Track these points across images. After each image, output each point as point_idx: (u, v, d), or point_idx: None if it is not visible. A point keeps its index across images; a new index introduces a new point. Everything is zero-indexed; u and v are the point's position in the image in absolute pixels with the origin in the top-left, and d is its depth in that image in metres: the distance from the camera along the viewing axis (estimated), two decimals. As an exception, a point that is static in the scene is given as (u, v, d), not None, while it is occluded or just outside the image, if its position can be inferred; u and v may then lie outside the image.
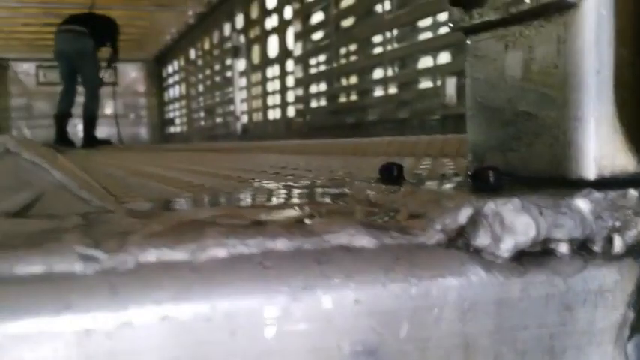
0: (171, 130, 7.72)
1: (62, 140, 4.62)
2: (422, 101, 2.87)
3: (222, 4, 5.25)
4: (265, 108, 4.54)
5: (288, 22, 3.97)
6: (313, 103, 3.88)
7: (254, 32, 4.65)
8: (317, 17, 3.72)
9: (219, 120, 5.50)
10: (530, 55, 0.28)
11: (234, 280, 0.22)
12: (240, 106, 4.91)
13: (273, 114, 4.45)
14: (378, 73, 3.23)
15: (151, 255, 0.22)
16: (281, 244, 0.23)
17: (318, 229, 0.23)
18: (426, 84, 2.94)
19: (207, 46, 5.85)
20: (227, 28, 5.18)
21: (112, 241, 0.22)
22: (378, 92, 3.22)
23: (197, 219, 0.25)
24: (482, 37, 0.30)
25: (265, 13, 4.40)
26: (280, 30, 4.18)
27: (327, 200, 0.31)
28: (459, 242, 0.24)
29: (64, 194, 0.27)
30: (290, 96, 4.14)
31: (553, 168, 0.29)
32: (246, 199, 0.35)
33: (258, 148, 1.72)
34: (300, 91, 3.96)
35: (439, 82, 2.77)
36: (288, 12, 3.99)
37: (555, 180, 0.29)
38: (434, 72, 2.81)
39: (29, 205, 0.26)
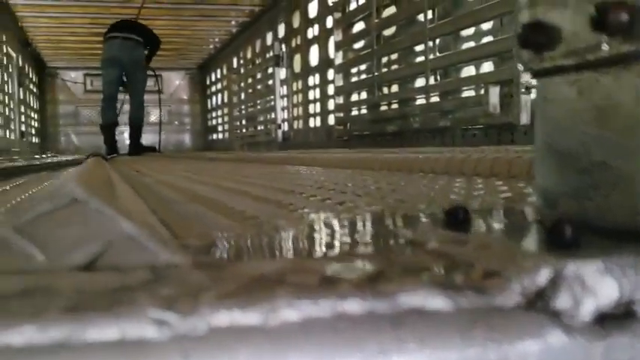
0: (214, 136, 7.81)
1: (112, 149, 4.71)
2: (464, 110, 2.84)
3: (264, 14, 5.29)
4: (306, 116, 4.56)
5: (330, 31, 3.98)
6: (354, 112, 3.88)
7: (295, 41, 4.68)
8: (358, 26, 3.72)
9: (260, 127, 5.55)
10: (606, 102, 0.27)
11: (307, 344, 0.21)
12: (281, 114, 4.95)
13: (314, 122, 4.47)
14: (419, 82, 3.21)
15: (223, 318, 0.21)
16: (353, 306, 0.22)
17: (390, 290, 0.23)
18: (468, 93, 2.92)
19: (249, 54, 5.90)
20: (269, 37, 5.23)
21: (183, 303, 0.22)
22: (420, 101, 3.20)
23: (265, 273, 0.25)
24: (553, 81, 0.29)
25: (307, 22, 4.42)
26: (322, 39, 4.20)
27: (393, 248, 0.31)
28: (538, 304, 0.23)
29: (132, 244, 0.27)
30: (331, 104, 4.15)
31: (631, 220, 0.27)
32: (306, 241, 0.34)
33: (300, 160, 1.72)
34: (341, 100, 3.96)
35: (482, 91, 2.74)
36: (329, 21, 4.01)
37: (634, 233, 0.27)
38: (476, 81, 2.78)
39: (97, 257, 0.26)
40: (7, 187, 0.92)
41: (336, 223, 0.40)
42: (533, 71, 0.30)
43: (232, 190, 0.74)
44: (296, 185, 0.80)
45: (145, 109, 5.04)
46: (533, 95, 2.35)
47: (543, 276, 0.23)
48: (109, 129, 4.84)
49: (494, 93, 2.58)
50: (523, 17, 0.29)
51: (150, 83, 5.24)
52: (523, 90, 2.35)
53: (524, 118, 2.41)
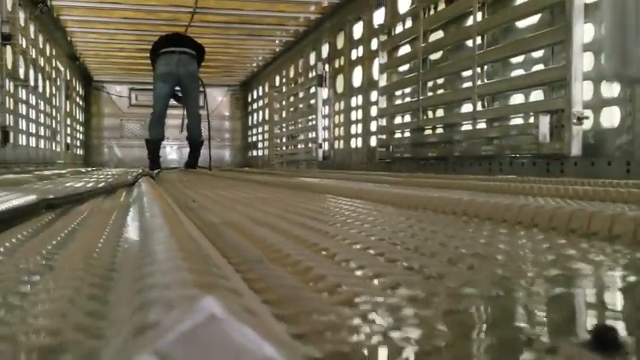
0: (254, 153, 7.86)
1: (155, 164, 4.77)
2: (512, 138, 2.79)
3: (308, 34, 5.32)
4: (348, 136, 4.55)
5: (374, 53, 3.97)
6: (397, 134, 3.86)
7: (339, 62, 4.69)
8: (404, 49, 3.70)
9: (301, 146, 5.56)
10: None
11: None
12: (322, 134, 4.94)
13: (355, 142, 4.46)
14: (466, 108, 3.17)
15: None
16: None
17: None
18: (516, 121, 2.87)
19: (292, 73, 5.94)
20: (312, 57, 5.25)
21: None
22: (466, 127, 3.16)
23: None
24: None
25: (351, 43, 4.43)
26: (366, 60, 4.20)
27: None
28: None
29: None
30: (373, 126, 4.13)
31: None
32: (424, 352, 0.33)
33: (345, 191, 1.69)
34: (384, 122, 3.94)
35: (531, 120, 2.69)
36: (374, 43, 4.00)
37: None
38: (525, 109, 2.73)
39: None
40: (74, 226, 0.92)
41: (439, 318, 0.38)
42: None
43: (301, 241, 0.73)
44: (359, 235, 0.79)
45: (201, 122, 5.09)
46: (585, 126, 2.29)
47: None
48: (155, 145, 4.90)
49: (544, 122, 2.53)
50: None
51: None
52: (574, 121, 2.30)
53: (576, 149, 2.34)
